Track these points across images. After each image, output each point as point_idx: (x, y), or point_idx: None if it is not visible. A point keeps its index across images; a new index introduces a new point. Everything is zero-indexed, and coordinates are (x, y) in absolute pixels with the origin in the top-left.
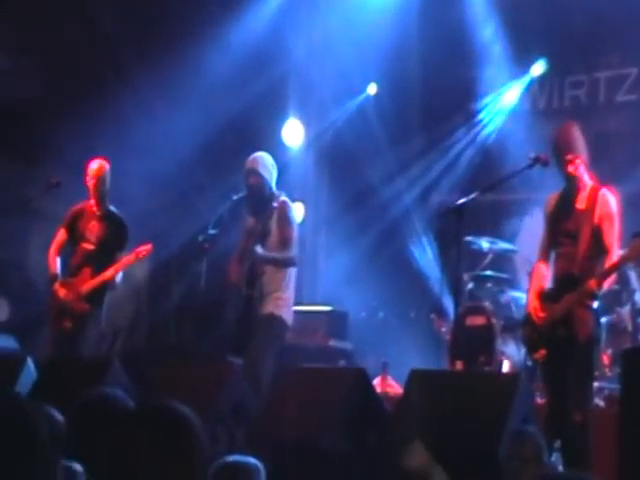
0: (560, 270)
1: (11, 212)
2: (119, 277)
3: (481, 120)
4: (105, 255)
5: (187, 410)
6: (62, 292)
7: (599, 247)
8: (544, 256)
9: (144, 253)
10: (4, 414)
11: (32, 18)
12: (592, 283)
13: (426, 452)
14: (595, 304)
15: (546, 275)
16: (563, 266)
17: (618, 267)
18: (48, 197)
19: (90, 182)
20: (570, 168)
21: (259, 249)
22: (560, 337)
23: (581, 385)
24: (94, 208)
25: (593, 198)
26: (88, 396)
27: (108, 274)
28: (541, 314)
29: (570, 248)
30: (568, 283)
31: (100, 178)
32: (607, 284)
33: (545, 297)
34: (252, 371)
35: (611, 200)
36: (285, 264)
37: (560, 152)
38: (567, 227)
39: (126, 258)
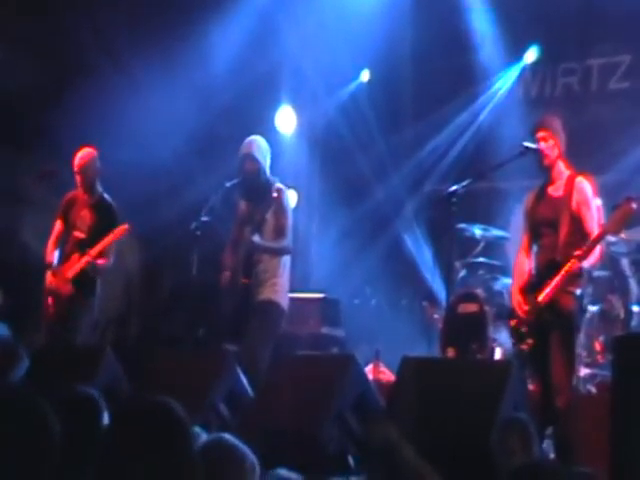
0: (542, 260)
1: (4, 200)
2: (109, 263)
3: (474, 107)
4: (96, 243)
5: (170, 402)
6: (50, 279)
7: (579, 233)
8: (526, 249)
9: (121, 232)
10: (18, 413)
11: (26, 8)
12: (574, 262)
13: (395, 429)
14: (578, 291)
15: (527, 268)
16: (546, 256)
17: (598, 240)
18: (41, 185)
19: (77, 171)
20: (541, 144)
21: (257, 238)
22: (545, 323)
23: (562, 370)
24: (85, 196)
25: (569, 185)
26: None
27: (90, 254)
28: (524, 307)
29: (551, 238)
30: (550, 269)
31: (86, 166)
32: (591, 261)
33: (527, 289)
34: (250, 358)
35: (586, 187)
36: (281, 252)
37: (534, 131)
38: (545, 215)
39: (105, 239)
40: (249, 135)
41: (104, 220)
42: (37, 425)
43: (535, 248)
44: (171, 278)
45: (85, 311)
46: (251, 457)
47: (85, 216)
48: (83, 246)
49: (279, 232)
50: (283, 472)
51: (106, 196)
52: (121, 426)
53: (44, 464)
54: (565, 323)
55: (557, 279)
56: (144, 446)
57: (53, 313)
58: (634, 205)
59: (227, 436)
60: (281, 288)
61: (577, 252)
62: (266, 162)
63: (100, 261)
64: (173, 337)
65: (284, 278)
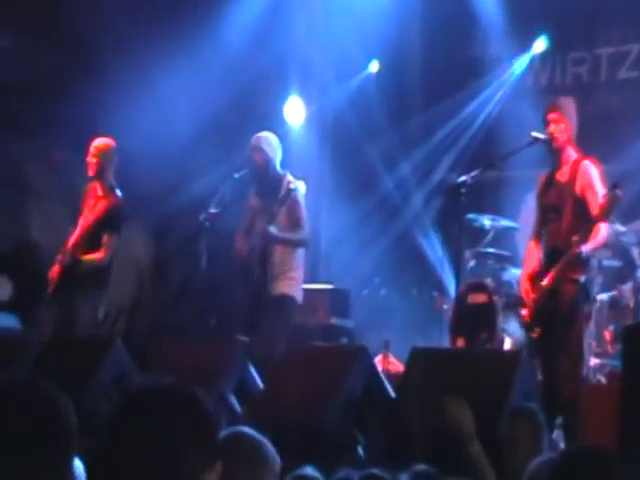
0: (548, 248)
1: (12, 189)
2: (103, 259)
3: (483, 97)
4: (95, 235)
5: (192, 389)
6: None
7: (585, 219)
8: (536, 235)
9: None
10: (35, 406)
11: None
12: (574, 246)
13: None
14: (582, 278)
15: (537, 255)
16: (550, 242)
17: (593, 225)
18: (49, 175)
19: (89, 160)
20: (551, 127)
21: (273, 229)
22: (549, 313)
23: (567, 360)
24: (95, 186)
25: (574, 170)
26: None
27: (65, 252)
28: (532, 295)
29: (556, 224)
30: (554, 257)
31: (97, 154)
32: (592, 248)
33: (535, 277)
34: (265, 351)
35: (592, 170)
36: (298, 244)
37: (546, 112)
38: (551, 201)
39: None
40: (258, 126)
41: (107, 213)
42: (55, 421)
43: (543, 235)
44: (181, 269)
45: (86, 304)
46: (273, 452)
47: (92, 207)
48: (85, 236)
49: (296, 224)
50: (306, 470)
51: (117, 190)
52: (132, 415)
53: (61, 460)
54: (568, 311)
55: (558, 266)
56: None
57: (55, 302)
58: (619, 192)
59: (247, 429)
60: (296, 282)
61: (574, 237)
62: (276, 156)
63: (88, 256)
64: (183, 327)
65: (299, 271)
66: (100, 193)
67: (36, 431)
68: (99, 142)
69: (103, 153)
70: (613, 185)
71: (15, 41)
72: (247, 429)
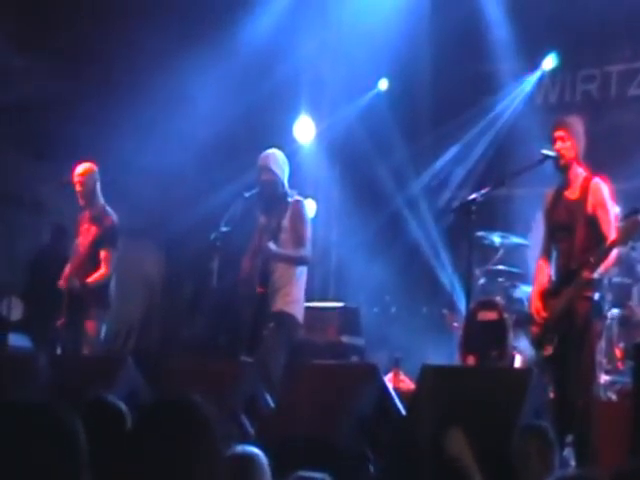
0: (560, 267)
1: (24, 208)
2: (105, 276)
3: (493, 115)
4: (94, 256)
5: (203, 404)
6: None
7: (596, 237)
8: (545, 253)
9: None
10: (46, 429)
11: (50, 18)
12: (586, 272)
13: (464, 439)
14: (596, 295)
15: (547, 273)
16: (562, 263)
17: (609, 250)
18: (60, 195)
19: (77, 189)
20: (557, 144)
21: (272, 246)
22: (563, 331)
23: (580, 374)
24: (87, 210)
25: (585, 188)
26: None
27: (64, 279)
28: (543, 314)
29: (567, 243)
30: (567, 278)
31: (82, 182)
32: (604, 268)
33: (546, 295)
34: (263, 368)
35: (603, 188)
36: (298, 262)
37: (552, 129)
38: (561, 219)
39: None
40: (268, 144)
41: (101, 233)
42: (66, 443)
43: (554, 253)
44: (191, 286)
45: (90, 322)
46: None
47: (86, 231)
48: (82, 259)
49: (298, 242)
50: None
51: (108, 209)
52: (145, 429)
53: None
54: (582, 328)
55: (571, 289)
56: (170, 450)
57: (64, 323)
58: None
59: (250, 447)
60: (294, 298)
61: (590, 259)
62: (284, 174)
63: (91, 278)
64: (193, 345)
65: (298, 288)
66: (91, 216)
67: (50, 453)
68: (81, 168)
69: (88, 178)
70: (634, 210)
71: (29, 62)
72: (250, 447)
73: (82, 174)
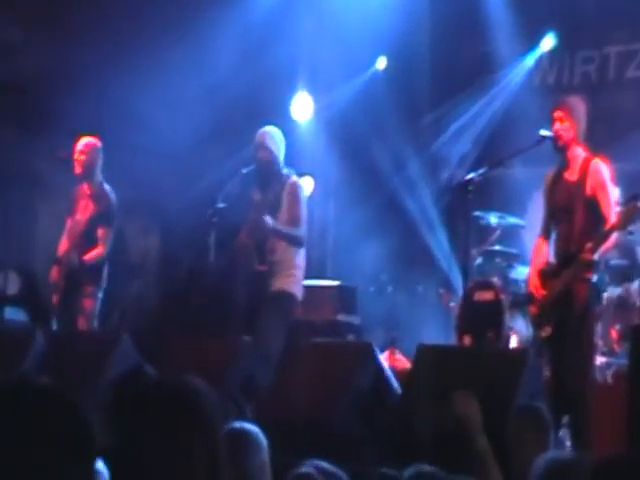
0: (560, 249)
1: (19, 183)
2: (101, 256)
3: (491, 95)
4: (91, 233)
5: (201, 384)
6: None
7: (596, 219)
8: (544, 233)
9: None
10: (56, 410)
11: None
12: (586, 254)
13: (476, 404)
14: (594, 277)
15: (546, 252)
16: (562, 245)
17: (609, 234)
18: (55, 169)
19: (78, 158)
20: (556, 125)
21: (269, 219)
22: (561, 312)
23: (578, 356)
24: (84, 186)
25: (584, 169)
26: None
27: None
28: (542, 292)
29: (567, 225)
30: (566, 260)
31: (86, 152)
32: (603, 251)
33: (545, 274)
34: (261, 347)
35: (602, 169)
36: (294, 241)
37: (552, 110)
38: (560, 201)
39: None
40: (265, 122)
41: (99, 210)
42: (77, 425)
43: (554, 234)
44: (188, 264)
45: (85, 300)
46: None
47: (84, 207)
48: (80, 236)
49: (293, 222)
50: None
51: (106, 186)
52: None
53: (80, 466)
54: (580, 311)
55: (570, 271)
56: (165, 429)
57: (60, 299)
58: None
59: (247, 424)
60: (295, 279)
61: (587, 245)
62: (280, 152)
63: (89, 255)
64: (190, 323)
65: (300, 270)
66: (90, 193)
67: (58, 435)
68: (88, 140)
69: (92, 151)
70: (633, 196)
71: (25, 36)
72: (247, 424)
73: (88, 145)
